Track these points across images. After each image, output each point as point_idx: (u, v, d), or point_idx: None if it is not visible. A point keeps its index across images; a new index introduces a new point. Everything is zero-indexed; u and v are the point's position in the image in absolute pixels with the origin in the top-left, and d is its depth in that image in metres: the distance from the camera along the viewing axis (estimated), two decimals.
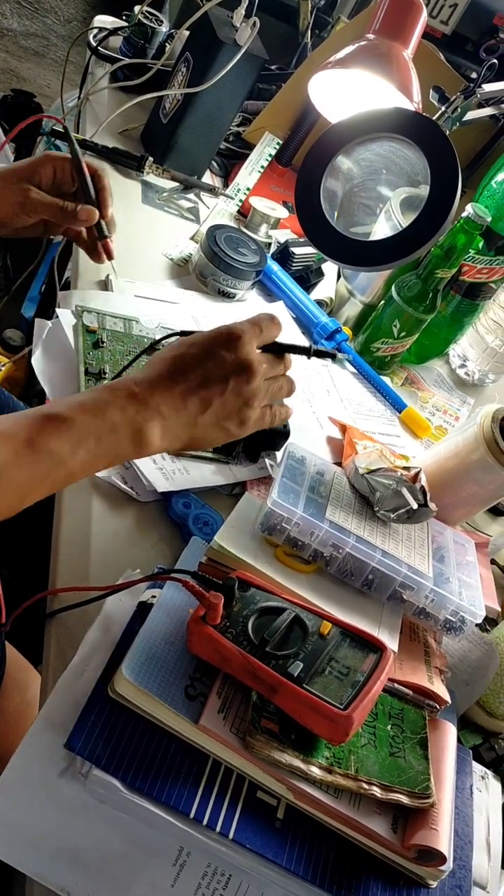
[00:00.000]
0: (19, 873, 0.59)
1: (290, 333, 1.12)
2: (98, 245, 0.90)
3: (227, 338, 0.68)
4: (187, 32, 1.35)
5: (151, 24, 1.34)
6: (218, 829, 0.58)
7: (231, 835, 0.58)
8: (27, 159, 0.88)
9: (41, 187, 0.87)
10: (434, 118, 0.94)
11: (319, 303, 1.17)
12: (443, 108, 1.00)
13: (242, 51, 1.07)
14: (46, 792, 0.58)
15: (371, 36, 1.04)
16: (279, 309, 1.14)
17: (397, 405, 1.11)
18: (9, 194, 0.86)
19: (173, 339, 0.87)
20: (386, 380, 1.15)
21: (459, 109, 1.00)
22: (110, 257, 0.90)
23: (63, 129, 0.89)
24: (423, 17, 1.03)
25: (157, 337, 0.93)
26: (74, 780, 0.58)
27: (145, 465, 0.81)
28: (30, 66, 3.55)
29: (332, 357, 0.85)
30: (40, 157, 0.88)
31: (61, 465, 0.59)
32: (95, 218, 0.88)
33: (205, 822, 0.58)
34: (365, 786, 0.62)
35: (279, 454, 0.89)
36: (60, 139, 1.19)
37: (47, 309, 1.94)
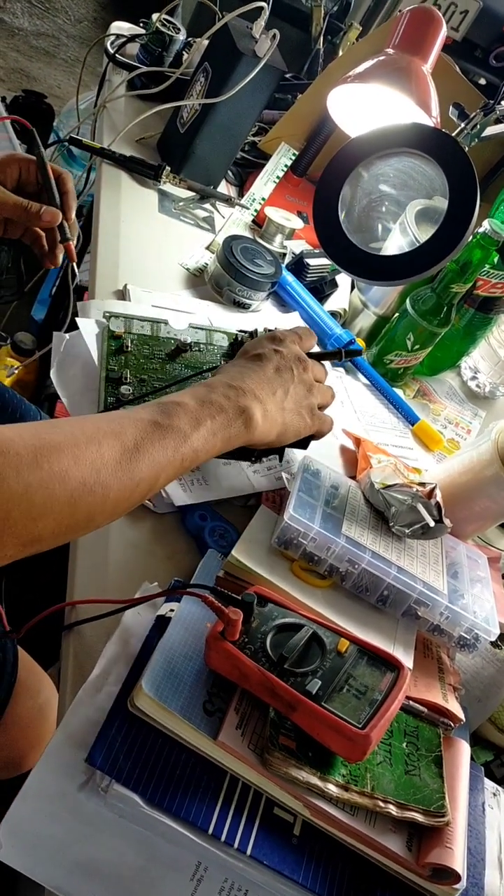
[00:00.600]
0: (23, 881, 0.59)
1: None
2: (56, 248, 0.92)
3: (276, 338, 0.80)
4: (205, 42, 1.35)
5: (169, 32, 1.34)
6: (236, 845, 0.59)
7: (249, 851, 0.59)
8: None
9: (6, 186, 0.88)
10: (453, 134, 0.94)
11: (333, 314, 1.18)
12: (462, 125, 1.01)
13: (262, 63, 1.07)
14: (66, 805, 0.58)
15: (390, 50, 1.04)
16: (294, 320, 1.14)
17: (410, 418, 1.12)
18: None
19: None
20: (398, 391, 1.16)
21: (479, 126, 1.01)
22: (72, 259, 0.92)
23: (31, 130, 0.90)
24: (443, 32, 1.04)
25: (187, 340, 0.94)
26: (94, 793, 0.58)
27: None
28: (40, 65, 3.55)
29: (359, 353, 0.92)
30: (5, 157, 0.89)
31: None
32: (58, 220, 0.89)
33: (223, 838, 0.59)
34: (381, 804, 0.62)
35: (294, 466, 0.89)
36: (76, 146, 1.19)
37: (57, 312, 1.95)
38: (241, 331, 0.97)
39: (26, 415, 1.12)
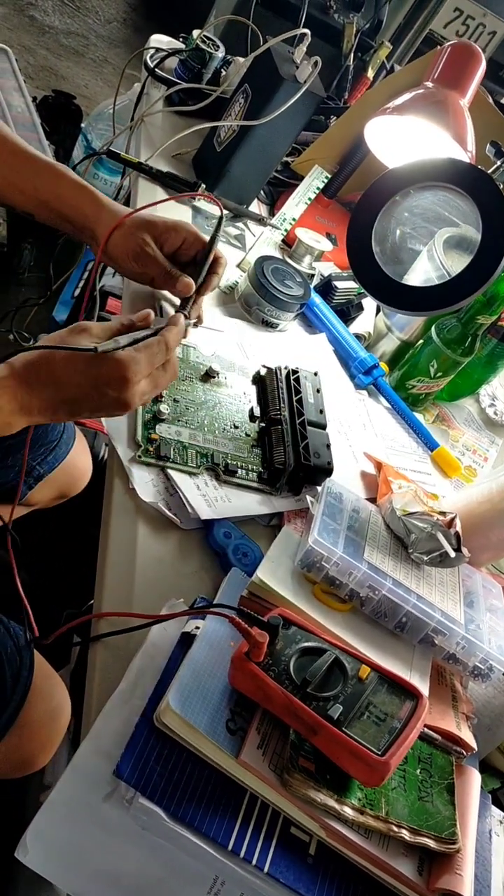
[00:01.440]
0: (22, 879, 0.61)
1: (329, 366, 1.14)
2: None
3: (120, 378, 0.74)
4: (242, 60, 1.37)
5: (209, 50, 1.36)
6: (254, 861, 0.61)
7: (266, 868, 0.61)
8: (167, 219, 0.94)
9: (162, 249, 0.93)
10: (490, 172, 0.96)
11: (358, 336, 1.20)
12: (499, 163, 1.03)
13: (303, 89, 1.09)
14: (90, 815, 0.60)
15: (429, 84, 1.06)
16: (320, 342, 1.16)
17: (429, 443, 1.13)
18: (130, 240, 0.92)
19: None
20: (419, 416, 1.17)
21: None
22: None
23: (220, 216, 0.94)
24: (482, 67, 1.06)
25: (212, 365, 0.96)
26: (119, 805, 0.60)
27: (190, 492, 0.84)
28: (69, 64, 3.57)
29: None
30: (177, 224, 0.94)
31: None
32: (190, 293, 0.93)
33: (241, 854, 0.61)
34: (395, 828, 0.64)
35: (318, 488, 0.91)
36: (114, 159, 1.21)
37: (79, 314, 1.97)
38: (264, 366, 1.00)
39: None
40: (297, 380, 0.96)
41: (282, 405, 0.94)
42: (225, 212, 1.21)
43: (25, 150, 0.95)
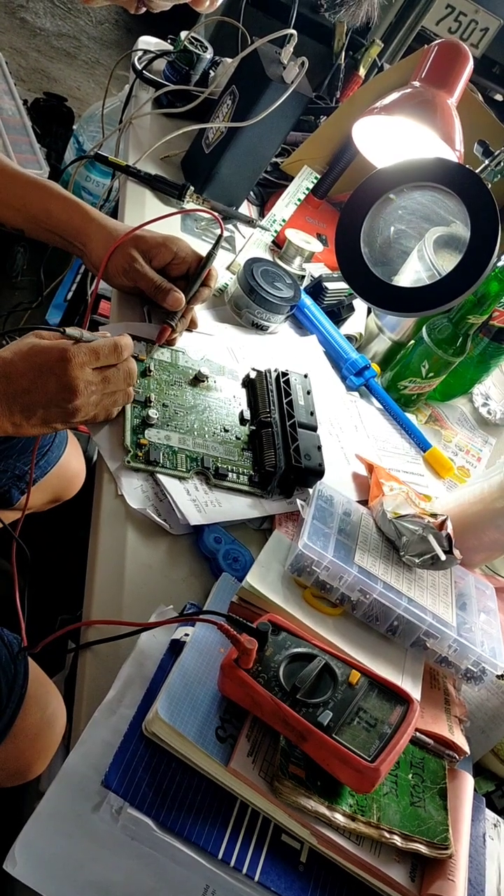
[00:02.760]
0: (20, 886, 0.60)
1: (320, 368, 1.14)
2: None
3: (58, 360, 0.75)
4: (229, 61, 1.37)
5: (197, 51, 1.36)
6: (244, 870, 0.60)
7: (256, 877, 0.60)
8: (157, 234, 0.95)
9: (151, 264, 0.94)
10: (477, 171, 0.96)
11: (349, 338, 1.19)
12: (487, 162, 1.03)
13: (290, 90, 1.09)
14: (80, 826, 0.60)
15: (417, 83, 1.06)
16: (311, 343, 1.16)
17: (422, 444, 1.13)
18: (120, 256, 0.93)
19: None
20: (411, 417, 1.17)
21: (503, 163, 1.02)
22: (157, 341, 0.94)
23: (220, 236, 0.97)
24: (470, 66, 1.05)
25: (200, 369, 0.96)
26: (108, 815, 0.60)
27: (179, 497, 0.83)
28: (60, 66, 3.57)
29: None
30: (168, 239, 0.95)
31: None
32: (180, 308, 0.95)
33: (231, 863, 0.60)
34: (386, 834, 0.64)
35: (310, 491, 0.90)
36: (102, 163, 1.21)
37: (72, 317, 1.96)
38: (253, 369, 0.99)
39: None
40: (287, 382, 0.96)
41: (272, 408, 0.94)
42: (218, 228, 1.21)
43: (12, 167, 0.96)
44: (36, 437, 1.06)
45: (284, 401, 0.94)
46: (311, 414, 0.94)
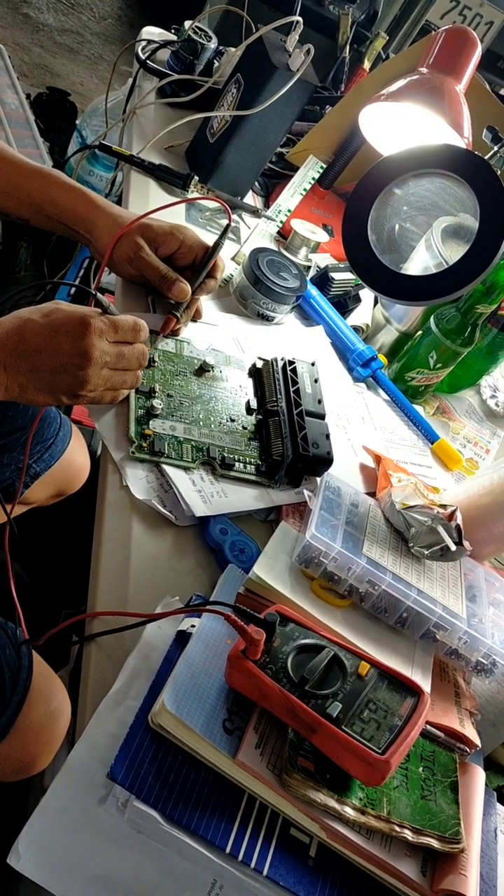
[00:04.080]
0: (24, 883, 0.59)
1: (327, 359, 1.12)
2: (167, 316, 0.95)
3: (78, 324, 0.74)
4: (234, 49, 1.35)
5: (201, 41, 1.35)
6: (252, 864, 0.59)
7: (265, 871, 0.59)
8: (164, 223, 0.94)
9: (157, 252, 0.94)
10: (486, 157, 0.94)
11: (355, 328, 1.18)
12: (496, 149, 1.01)
13: (295, 77, 1.07)
14: (85, 819, 0.59)
15: (424, 70, 1.04)
16: (318, 334, 1.15)
17: (430, 436, 1.12)
18: (126, 244, 0.92)
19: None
20: (419, 408, 1.16)
21: None
22: (162, 332, 0.94)
23: (228, 225, 0.95)
24: (478, 52, 1.04)
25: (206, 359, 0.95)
26: (113, 808, 0.59)
27: (184, 488, 0.82)
28: (63, 62, 3.56)
29: None
30: (174, 228, 0.94)
31: None
32: (185, 299, 0.94)
33: (240, 857, 0.59)
34: (397, 828, 0.62)
35: (318, 480, 0.89)
36: (105, 153, 1.19)
37: None
38: (260, 358, 0.98)
39: (37, 413, 1.12)
40: (294, 370, 0.94)
41: (279, 396, 0.93)
42: (223, 218, 1.20)
43: (15, 156, 0.95)
44: (39, 408, 1.05)
45: (291, 389, 0.93)
46: (319, 402, 0.93)
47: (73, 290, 2.05)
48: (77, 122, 2.50)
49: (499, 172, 0.91)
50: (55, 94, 2.71)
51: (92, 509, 0.82)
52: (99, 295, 0.77)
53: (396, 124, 1.11)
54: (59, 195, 0.93)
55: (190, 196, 1.19)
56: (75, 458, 1.23)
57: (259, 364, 0.98)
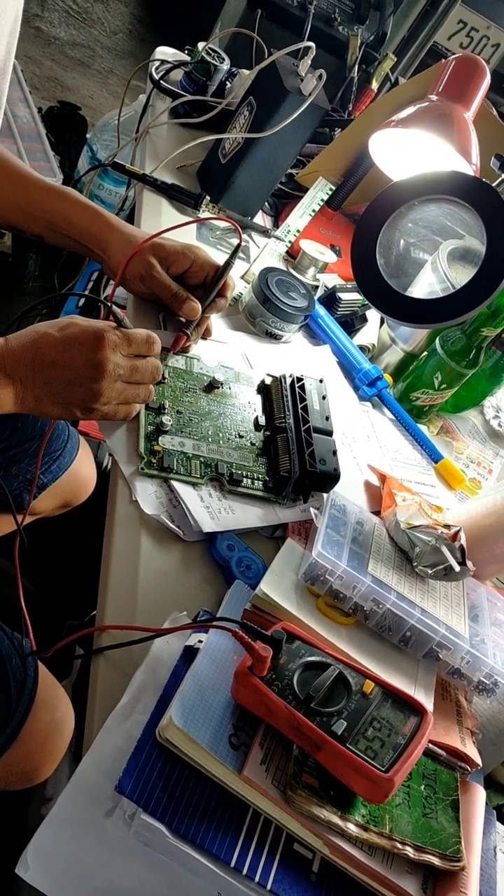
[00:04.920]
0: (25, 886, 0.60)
1: (333, 378, 1.14)
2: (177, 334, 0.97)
3: (93, 337, 0.76)
4: (247, 72, 1.38)
5: (214, 62, 1.37)
6: (256, 878, 0.60)
7: (269, 885, 0.60)
8: (176, 242, 0.95)
9: (169, 271, 0.95)
10: (494, 185, 0.96)
11: (362, 348, 1.20)
12: (503, 176, 1.03)
13: (308, 102, 1.09)
14: (92, 831, 0.60)
15: (434, 97, 1.06)
16: (325, 353, 1.16)
17: (434, 456, 1.13)
18: (138, 262, 0.93)
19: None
20: (423, 428, 1.17)
21: None
22: (173, 349, 0.95)
23: (239, 245, 0.97)
24: (487, 81, 1.06)
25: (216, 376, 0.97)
26: (120, 821, 0.60)
27: (192, 503, 0.83)
28: (74, 75, 3.59)
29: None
30: (186, 248, 0.96)
31: None
32: (196, 318, 0.95)
33: (244, 871, 0.60)
34: (399, 845, 0.63)
35: (324, 496, 0.90)
36: (118, 171, 1.22)
37: None
38: (269, 374, 1.00)
39: (46, 424, 1.14)
40: (303, 387, 0.96)
41: (287, 413, 0.94)
42: (233, 237, 1.21)
43: (31, 174, 0.96)
44: (48, 420, 1.06)
45: (299, 406, 0.94)
46: (327, 419, 0.94)
47: (81, 301, 2.07)
48: (87, 135, 2.53)
49: None
50: (66, 108, 2.75)
51: (97, 521, 0.83)
52: (114, 307, 0.79)
53: (406, 150, 1.13)
54: (74, 213, 0.95)
55: (201, 216, 1.21)
56: (82, 470, 1.24)
57: (268, 381, 0.99)
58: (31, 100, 2.41)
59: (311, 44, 1.12)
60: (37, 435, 1.12)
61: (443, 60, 1.10)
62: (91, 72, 3.69)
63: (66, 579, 1.49)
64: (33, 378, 0.75)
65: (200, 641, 0.71)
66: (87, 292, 2.03)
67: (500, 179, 1.04)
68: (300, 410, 0.94)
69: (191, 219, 1.19)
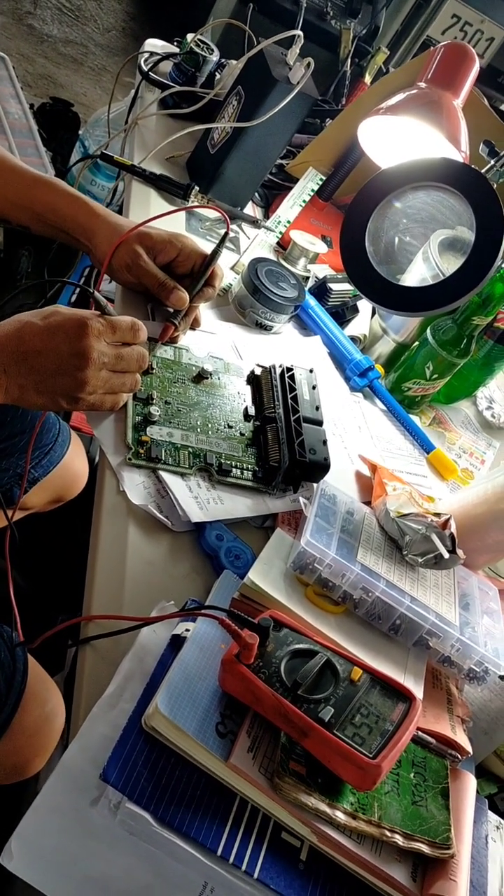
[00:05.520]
0: (19, 883, 0.60)
1: (324, 368, 1.13)
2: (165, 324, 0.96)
3: (76, 325, 0.75)
4: (235, 62, 1.37)
5: (203, 53, 1.36)
6: (243, 867, 0.60)
7: (256, 874, 0.60)
8: (162, 231, 0.95)
9: (156, 260, 0.94)
10: (483, 171, 0.96)
11: (353, 339, 1.19)
12: (492, 163, 1.03)
13: (296, 90, 1.09)
14: (77, 820, 0.59)
15: (423, 84, 1.06)
16: (315, 344, 1.16)
17: (425, 446, 1.13)
18: (124, 252, 0.93)
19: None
20: (415, 419, 1.17)
21: None
22: (160, 339, 0.94)
23: (225, 234, 0.95)
24: (476, 68, 1.05)
25: (204, 365, 0.96)
26: (106, 810, 0.59)
27: (181, 494, 0.83)
28: (67, 72, 3.59)
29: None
30: (173, 236, 0.95)
31: None
32: (183, 307, 0.95)
33: (231, 859, 0.60)
34: (387, 833, 0.63)
35: (314, 486, 0.90)
36: (107, 162, 1.21)
37: None
38: (258, 365, 0.99)
39: (36, 418, 1.13)
40: (293, 377, 0.95)
41: (276, 403, 0.94)
42: (223, 228, 1.21)
43: (17, 165, 0.96)
44: (37, 413, 1.05)
45: (289, 396, 0.93)
46: (317, 408, 0.93)
47: (74, 296, 2.06)
48: (80, 132, 2.53)
49: (495, 186, 0.93)
50: (58, 105, 2.74)
51: (89, 515, 0.83)
52: (97, 294, 0.78)
53: (395, 138, 1.12)
54: (61, 204, 0.95)
55: (188, 204, 1.20)
56: (74, 464, 1.23)
57: (258, 371, 0.99)
58: (24, 96, 2.40)
59: (300, 32, 1.11)
60: (27, 429, 1.12)
61: (431, 48, 1.09)
62: (84, 69, 3.68)
63: (59, 575, 1.49)
64: (17, 367, 0.74)
65: (188, 630, 0.70)
66: (78, 289, 2.02)
67: (489, 166, 1.03)
68: (290, 400, 0.93)
69: (179, 207, 1.18)
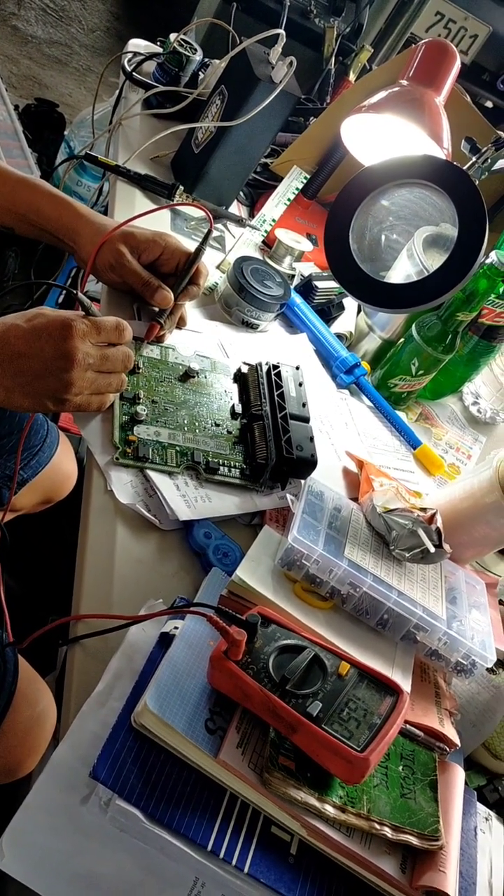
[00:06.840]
0: (12, 883, 0.60)
1: (311, 366, 1.14)
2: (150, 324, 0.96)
3: (60, 327, 0.74)
4: (218, 62, 1.37)
5: (186, 53, 1.36)
6: (234, 862, 0.60)
7: (246, 868, 0.60)
8: (146, 230, 0.95)
9: (140, 259, 0.94)
10: (465, 167, 0.96)
11: (339, 336, 1.20)
12: (474, 159, 1.03)
13: (278, 89, 1.09)
14: (68, 818, 0.59)
15: (404, 82, 1.06)
16: (302, 341, 1.16)
17: (412, 441, 1.13)
18: (108, 251, 0.93)
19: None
20: (401, 415, 1.17)
21: (489, 160, 1.03)
22: (146, 338, 0.94)
23: (209, 232, 0.94)
24: (457, 65, 1.06)
25: (191, 364, 0.96)
26: (96, 807, 0.59)
27: (168, 492, 0.83)
28: (52, 73, 3.58)
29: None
30: (157, 235, 0.95)
31: None
32: (168, 306, 0.95)
33: (221, 854, 0.60)
34: (377, 826, 0.63)
35: (302, 482, 0.90)
36: (91, 163, 1.21)
37: None
38: (245, 363, 1.00)
39: (24, 419, 1.13)
40: (279, 374, 0.95)
41: (263, 400, 0.94)
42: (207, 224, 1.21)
43: (0, 166, 0.96)
44: (25, 414, 1.05)
45: (276, 393, 0.94)
46: (304, 405, 0.94)
47: (61, 297, 2.06)
48: (65, 133, 2.52)
49: (477, 182, 0.94)
50: (43, 106, 2.73)
51: (78, 516, 0.83)
52: (80, 295, 0.78)
53: (377, 135, 1.13)
54: (44, 204, 0.95)
55: (172, 202, 1.21)
56: (62, 465, 1.24)
57: (244, 369, 0.99)
58: (8, 98, 2.40)
59: (282, 31, 1.11)
60: (15, 430, 1.12)
61: (413, 46, 1.10)
62: (69, 70, 3.67)
63: (49, 576, 1.49)
64: (2, 370, 0.75)
65: (176, 628, 0.71)
66: (53, 282, 2.02)
67: (470, 162, 1.04)
68: (276, 397, 0.94)
69: (160, 205, 1.19)
